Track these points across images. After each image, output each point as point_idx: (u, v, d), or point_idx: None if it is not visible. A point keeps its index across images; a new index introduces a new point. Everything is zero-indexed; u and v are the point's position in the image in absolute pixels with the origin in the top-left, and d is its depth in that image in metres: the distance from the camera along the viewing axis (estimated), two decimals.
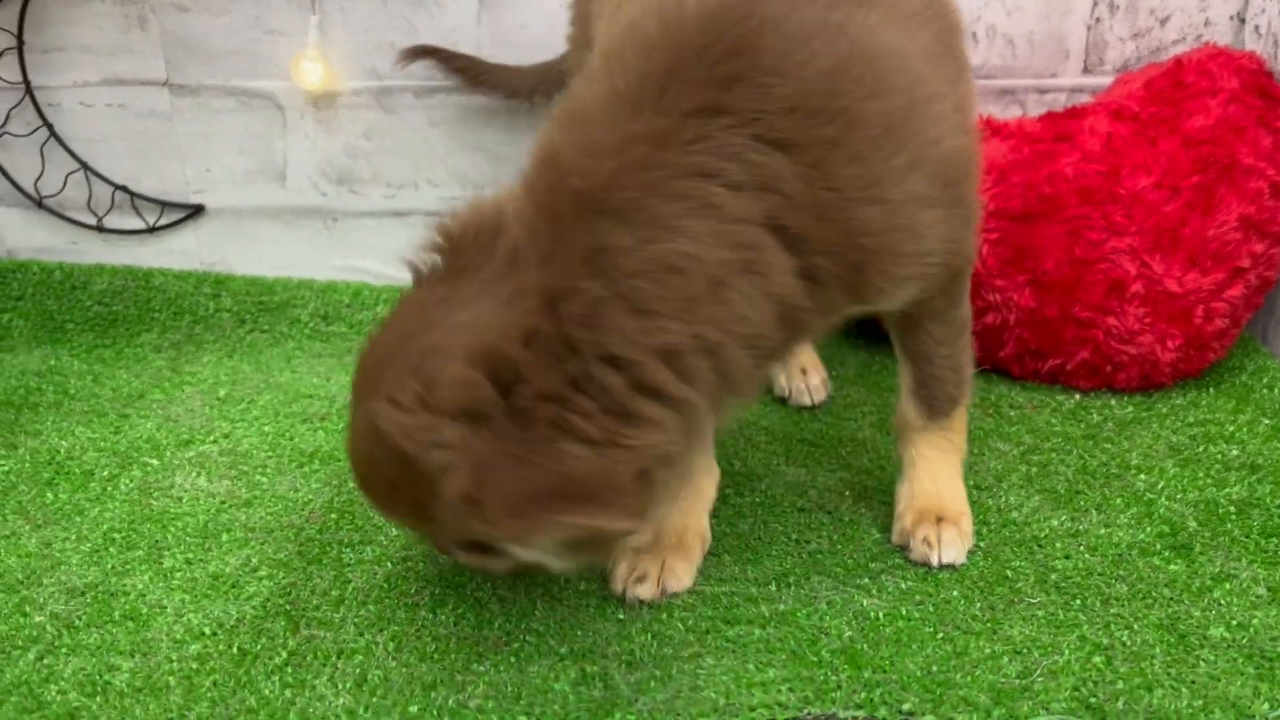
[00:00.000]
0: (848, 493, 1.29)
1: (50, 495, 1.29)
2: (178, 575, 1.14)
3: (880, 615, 1.04)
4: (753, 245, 0.89)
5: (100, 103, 1.70)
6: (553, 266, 0.86)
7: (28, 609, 1.08)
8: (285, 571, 1.14)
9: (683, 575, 1.10)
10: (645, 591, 1.08)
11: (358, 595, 1.10)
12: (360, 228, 1.78)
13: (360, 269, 1.80)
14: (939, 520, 1.14)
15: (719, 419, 0.96)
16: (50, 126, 1.70)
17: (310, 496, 1.29)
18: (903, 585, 1.10)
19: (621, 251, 0.85)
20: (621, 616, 1.07)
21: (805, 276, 0.92)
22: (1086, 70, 1.72)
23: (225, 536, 1.21)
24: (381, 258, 1.79)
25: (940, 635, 1.01)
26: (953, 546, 1.12)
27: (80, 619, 1.06)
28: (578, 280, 0.85)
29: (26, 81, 1.67)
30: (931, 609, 1.06)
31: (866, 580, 1.11)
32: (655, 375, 0.85)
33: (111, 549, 1.18)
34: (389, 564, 1.15)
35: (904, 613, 1.05)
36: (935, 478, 1.18)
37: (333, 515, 1.25)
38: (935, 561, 1.12)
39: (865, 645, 1.00)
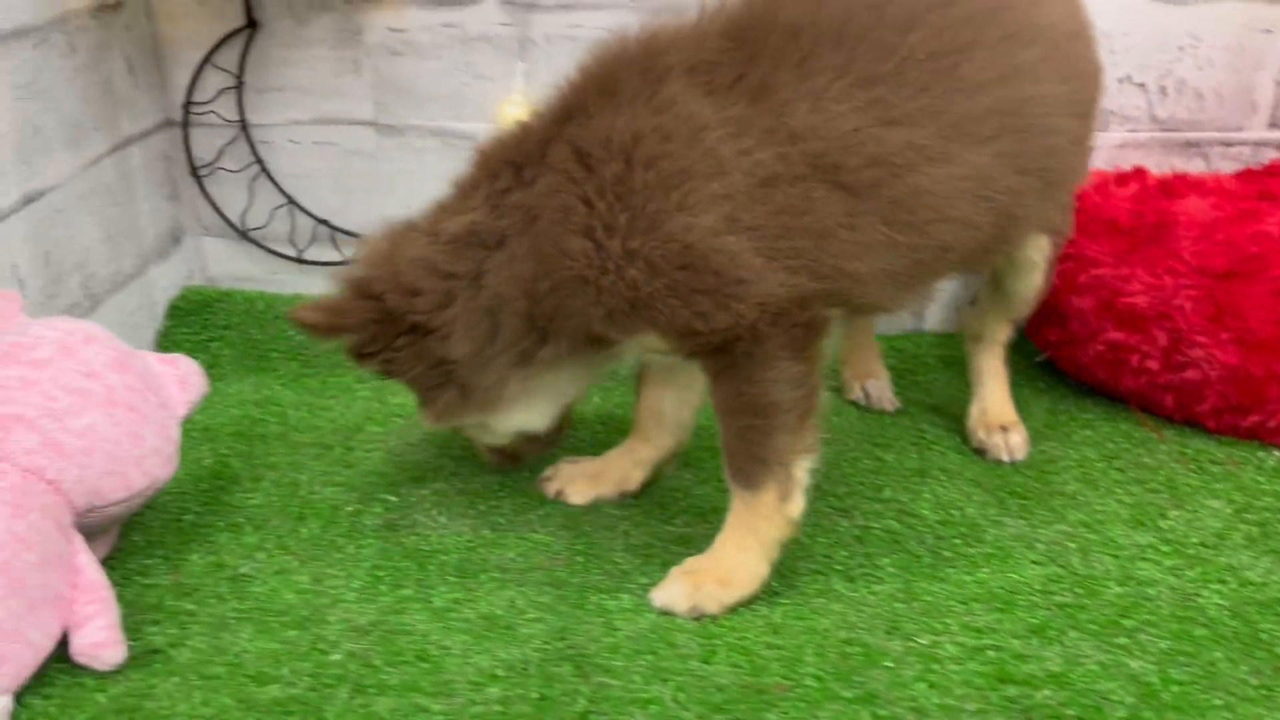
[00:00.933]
0: (1073, 545, 1.32)
1: (304, 530, 1.34)
2: (451, 615, 1.19)
3: (1153, 679, 1.08)
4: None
5: (309, 140, 1.77)
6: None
7: (323, 647, 1.13)
8: (554, 615, 1.19)
9: (574, 495, 1.42)
10: (545, 489, 1.43)
11: (630, 643, 1.14)
12: None
13: None
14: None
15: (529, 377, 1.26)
16: (261, 163, 1.77)
17: (550, 538, 1.34)
18: (1161, 645, 1.13)
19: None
20: (890, 664, 1.11)
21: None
22: (1273, 124, 1.74)
23: (484, 577, 1.26)
24: None
25: (1219, 703, 1.04)
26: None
27: (376, 658, 1.11)
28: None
29: (243, 120, 1.74)
30: (1200, 671, 1.09)
31: (1125, 639, 1.14)
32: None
33: (382, 587, 1.23)
34: (649, 614, 1.20)
35: (1174, 676, 1.08)
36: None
37: (578, 558, 1.30)
38: None
39: (1150, 713, 1.03)
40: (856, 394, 1.68)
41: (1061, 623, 1.17)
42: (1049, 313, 1.67)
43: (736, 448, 1.22)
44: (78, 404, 1.14)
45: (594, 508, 1.41)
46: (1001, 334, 1.58)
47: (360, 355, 1.26)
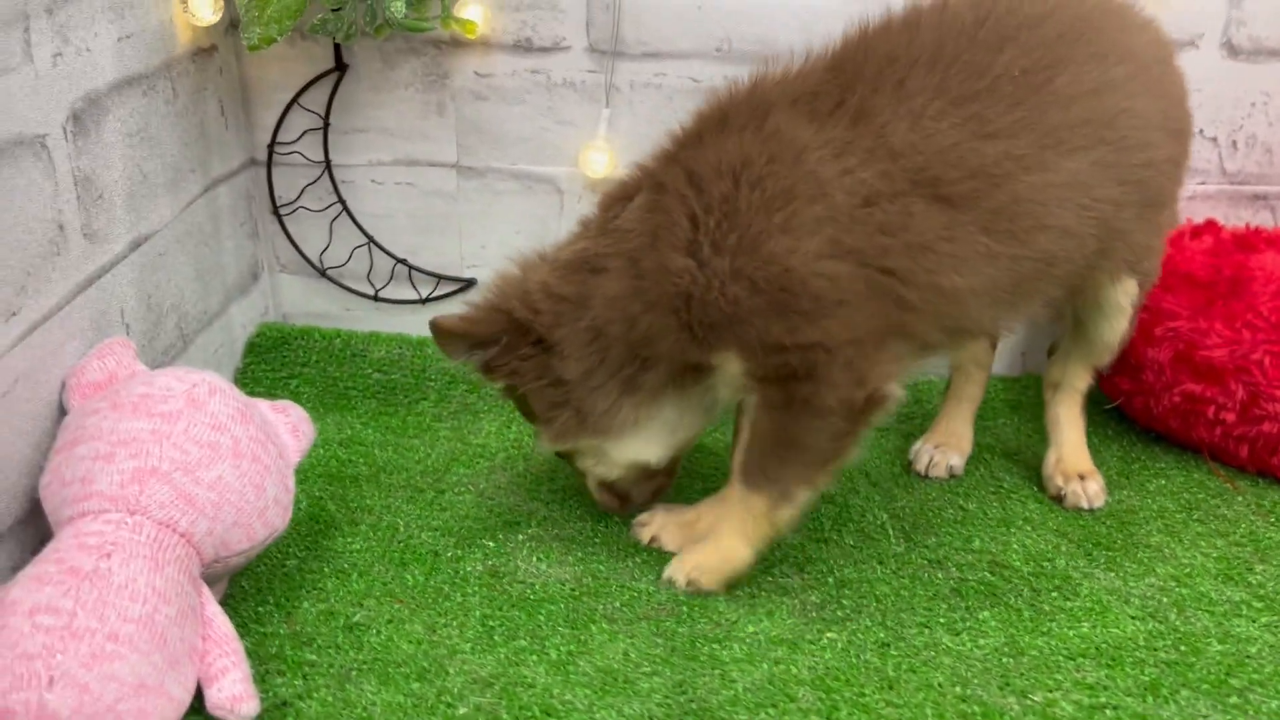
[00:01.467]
0: (1167, 600, 1.34)
1: (409, 577, 1.35)
2: (570, 668, 1.20)
3: None
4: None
5: (391, 181, 1.78)
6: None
7: (449, 699, 1.14)
8: (668, 668, 1.20)
9: (668, 542, 1.44)
10: (640, 534, 1.45)
11: (750, 695, 1.16)
12: None
13: None
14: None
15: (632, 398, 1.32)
16: (344, 202, 1.78)
17: (651, 587, 1.35)
18: (1272, 704, 1.15)
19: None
20: None
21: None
22: None
23: (594, 628, 1.27)
24: None
25: None
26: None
27: (503, 712, 1.13)
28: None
29: (327, 160, 1.75)
30: None
31: (1236, 698, 1.16)
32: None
33: (496, 637, 1.24)
34: (763, 664, 1.21)
35: None
36: None
37: (683, 608, 1.31)
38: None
39: None
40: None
41: (1172, 681, 1.19)
42: (1122, 362, 1.69)
43: (751, 461, 1.31)
44: (207, 457, 1.15)
45: None
46: (1081, 381, 1.60)
47: (490, 367, 1.34)
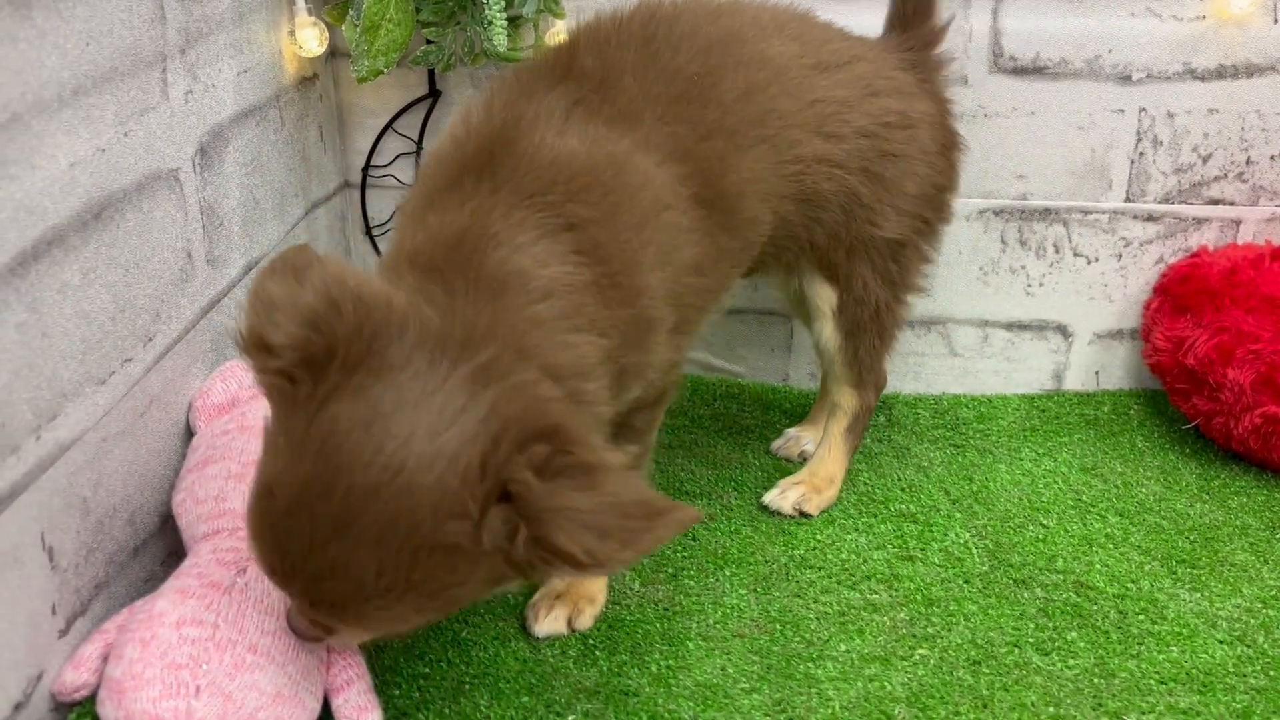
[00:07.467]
0: (1254, 622, 1.36)
1: (509, 597, 1.39)
2: (671, 682, 1.24)
3: None
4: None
5: None
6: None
7: (558, 710, 1.19)
8: (766, 685, 1.24)
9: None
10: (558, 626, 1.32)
11: (846, 714, 1.19)
12: None
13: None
14: None
15: None
16: None
17: (741, 603, 1.39)
18: None
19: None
20: None
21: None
22: None
23: (690, 645, 1.31)
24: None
25: None
26: None
27: (611, 717, 1.18)
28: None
29: None
30: None
31: None
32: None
33: (598, 652, 1.29)
34: (858, 681, 1.25)
35: None
36: None
37: (775, 625, 1.35)
38: None
39: None
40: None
41: (1264, 708, 1.21)
42: (1200, 383, 1.71)
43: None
44: None
45: (780, 570, 1.46)
46: (839, 395, 1.59)
47: None
